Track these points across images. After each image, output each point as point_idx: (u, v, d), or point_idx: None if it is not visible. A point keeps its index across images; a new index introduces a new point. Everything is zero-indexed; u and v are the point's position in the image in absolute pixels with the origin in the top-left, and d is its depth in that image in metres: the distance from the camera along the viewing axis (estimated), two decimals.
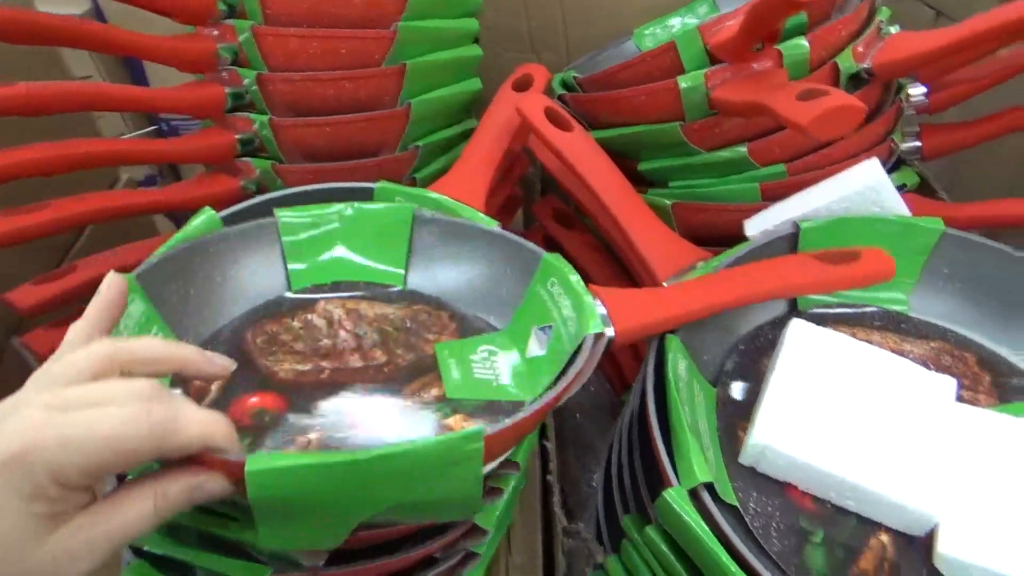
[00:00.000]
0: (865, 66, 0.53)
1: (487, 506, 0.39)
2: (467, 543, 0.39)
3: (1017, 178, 0.73)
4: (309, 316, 0.46)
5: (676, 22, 0.71)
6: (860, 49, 0.53)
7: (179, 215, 0.56)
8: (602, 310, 0.41)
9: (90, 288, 0.35)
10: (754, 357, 0.47)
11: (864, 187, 0.49)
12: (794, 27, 0.51)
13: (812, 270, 0.45)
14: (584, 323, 0.40)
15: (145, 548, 0.36)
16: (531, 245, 0.46)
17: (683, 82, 0.52)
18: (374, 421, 0.40)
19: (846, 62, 0.52)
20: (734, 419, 0.44)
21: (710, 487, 0.37)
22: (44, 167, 0.48)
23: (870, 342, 0.47)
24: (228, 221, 0.47)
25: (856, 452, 0.39)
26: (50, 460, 0.23)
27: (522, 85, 0.61)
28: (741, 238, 0.51)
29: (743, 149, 0.53)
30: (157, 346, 0.30)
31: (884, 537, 0.39)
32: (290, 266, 0.47)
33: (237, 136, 0.56)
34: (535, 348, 0.45)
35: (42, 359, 0.29)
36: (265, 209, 0.48)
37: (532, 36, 0.76)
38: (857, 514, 0.39)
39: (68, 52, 0.71)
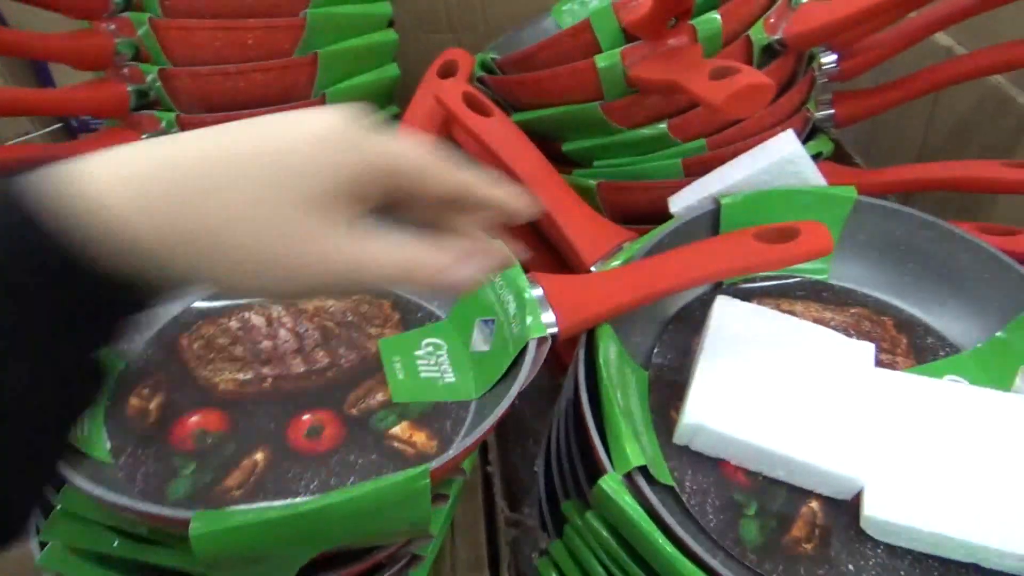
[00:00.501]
0: (777, 38, 0.53)
1: (432, 512, 0.39)
2: (412, 548, 0.39)
3: (928, 139, 0.76)
4: (246, 314, 0.45)
5: None
6: (771, 20, 0.54)
7: None
8: (548, 316, 0.41)
9: None
10: (684, 336, 0.47)
11: (781, 159, 0.49)
12: (706, 1, 0.51)
13: (753, 250, 0.45)
14: (529, 326, 0.40)
15: None
16: None
17: (600, 61, 0.51)
18: (321, 440, 0.39)
19: (758, 34, 0.53)
20: (666, 399, 0.44)
21: (644, 471, 0.37)
22: None
23: (793, 312, 0.49)
24: None
25: (784, 424, 0.40)
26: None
27: (446, 71, 0.60)
28: (667, 215, 0.51)
29: (663, 126, 0.54)
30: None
31: (814, 504, 0.40)
32: None
33: (144, 136, 0.53)
34: (479, 343, 0.44)
35: None
36: None
37: (450, 16, 0.75)
38: (788, 484, 0.41)
39: None
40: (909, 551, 0.38)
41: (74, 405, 0.23)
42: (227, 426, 0.39)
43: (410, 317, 0.46)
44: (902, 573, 0.37)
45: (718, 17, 0.50)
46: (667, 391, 0.45)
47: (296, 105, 0.54)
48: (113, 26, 0.52)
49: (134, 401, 0.39)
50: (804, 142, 0.56)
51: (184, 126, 0.52)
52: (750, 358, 0.43)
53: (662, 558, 0.34)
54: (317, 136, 0.23)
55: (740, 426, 0.40)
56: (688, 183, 0.53)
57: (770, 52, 0.54)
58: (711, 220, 0.49)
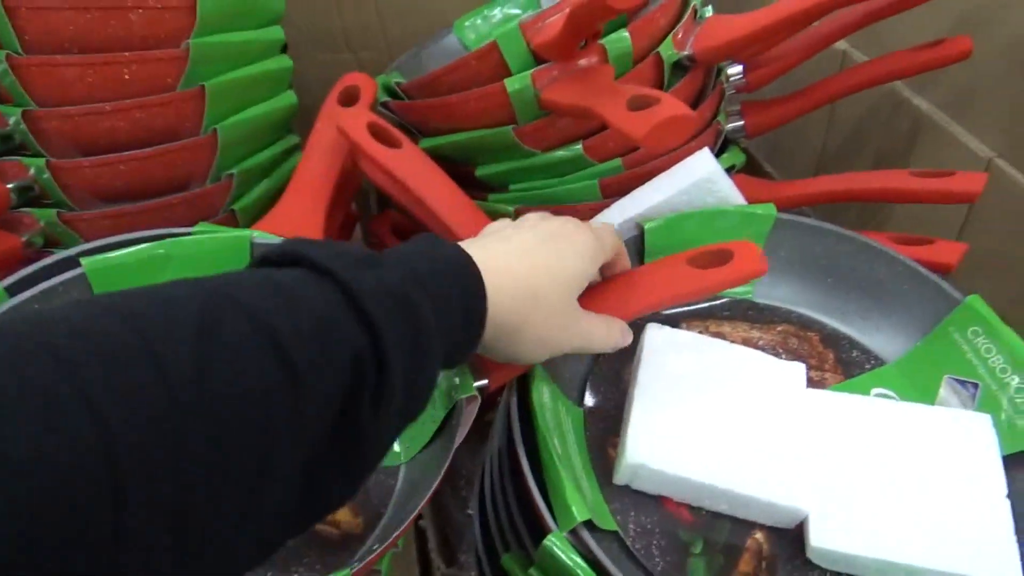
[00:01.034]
0: (686, 53, 0.53)
1: None
2: None
3: (828, 142, 0.78)
4: None
5: (497, 12, 0.69)
6: (679, 36, 0.53)
7: None
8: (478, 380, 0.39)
9: None
10: (615, 366, 0.46)
11: (699, 179, 0.49)
12: (614, 20, 0.50)
13: (688, 277, 0.43)
14: (458, 384, 0.37)
15: None
16: None
17: (511, 85, 0.49)
18: None
19: (668, 51, 0.52)
20: (603, 435, 0.43)
21: (589, 522, 0.35)
22: None
23: (722, 333, 0.48)
24: (15, 290, 0.41)
25: (724, 458, 0.39)
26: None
27: (348, 98, 0.56)
28: None
29: (578, 147, 0.52)
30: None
31: (759, 535, 0.39)
32: None
33: (10, 185, 0.48)
34: None
35: None
36: (66, 264, 0.42)
37: (348, 35, 0.71)
38: (731, 516, 0.40)
39: None
40: None
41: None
42: None
43: None
44: None
45: (628, 36, 0.49)
46: (603, 426, 0.43)
47: (192, 142, 0.49)
48: None
49: None
50: (717, 155, 0.56)
51: (56, 172, 0.47)
52: (684, 390, 0.42)
53: None
54: (583, 258, 0.37)
55: (680, 463, 0.39)
56: (606, 205, 0.52)
57: (680, 68, 0.54)
58: (636, 245, 0.48)
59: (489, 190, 0.57)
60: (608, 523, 0.38)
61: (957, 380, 0.44)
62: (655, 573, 0.37)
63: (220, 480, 0.21)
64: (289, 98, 0.57)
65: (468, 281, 0.31)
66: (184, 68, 0.48)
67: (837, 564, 0.38)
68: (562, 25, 0.43)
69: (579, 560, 0.34)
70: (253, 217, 0.55)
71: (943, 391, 0.44)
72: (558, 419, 0.41)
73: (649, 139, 0.35)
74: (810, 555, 0.38)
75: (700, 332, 0.48)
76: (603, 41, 0.49)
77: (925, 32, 0.60)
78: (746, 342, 0.47)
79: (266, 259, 0.28)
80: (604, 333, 0.38)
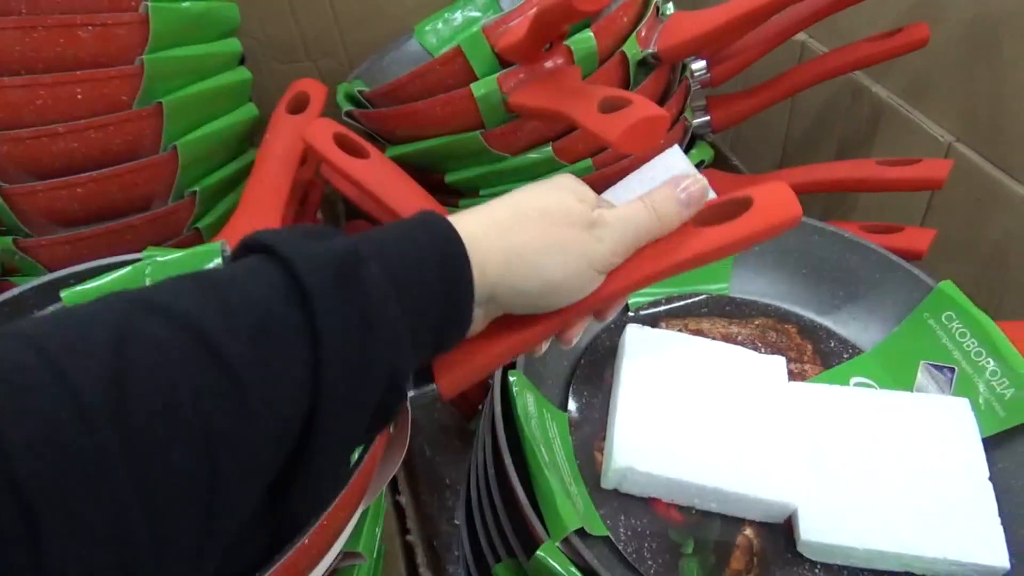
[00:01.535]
0: (651, 51, 0.52)
1: None
2: None
3: (791, 131, 0.78)
4: None
5: (457, 16, 0.68)
6: (643, 34, 0.53)
7: None
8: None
9: None
10: (596, 368, 0.46)
11: (670, 176, 0.48)
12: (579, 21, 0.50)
13: (694, 242, 0.33)
14: None
15: None
16: None
17: (477, 89, 0.49)
18: None
19: (632, 49, 0.52)
20: (589, 439, 0.43)
21: (580, 529, 0.35)
22: None
23: (701, 331, 0.48)
24: None
25: (711, 456, 0.39)
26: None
27: (297, 106, 0.55)
28: None
29: (548, 149, 0.52)
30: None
31: (749, 531, 0.39)
32: None
33: None
34: None
35: None
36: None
37: (306, 43, 0.70)
38: (721, 514, 0.40)
39: None
40: (845, 567, 0.38)
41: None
42: None
43: None
44: None
45: (592, 36, 0.49)
46: (588, 430, 0.43)
47: (151, 160, 0.48)
48: None
49: None
50: (685, 151, 0.56)
51: (9, 198, 0.45)
52: (667, 390, 0.42)
53: None
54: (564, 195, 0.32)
55: (668, 465, 0.39)
56: None
57: (645, 66, 0.53)
58: None
59: (460, 196, 0.57)
60: (599, 529, 0.38)
61: (934, 365, 0.45)
62: None
63: (159, 499, 0.20)
64: (250, 111, 0.56)
65: (440, 231, 0.28)
66: (139, 85, 0.47)
67: (827, 556, 0.38)
68: (527, 27, 0.43)
69: (573, 570, 0.33)
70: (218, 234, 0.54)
71: (920, 376, 0.44)
72: (543, 426, 0.41)
73: (623, 141, 0.35)
74: (800, 549, 0.38)
75: (679, 330, 0.48)
76: (568, 42, 0.48)
77: (882, 21, 0.61)
78: (725, 338, 0.47)
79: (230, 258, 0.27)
80: (641, 208, 0.32)
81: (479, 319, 0.31)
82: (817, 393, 0.43)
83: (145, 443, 0.20)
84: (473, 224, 0.29)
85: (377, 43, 0.69)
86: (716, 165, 0.63)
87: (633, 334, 0.44)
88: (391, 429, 0.33)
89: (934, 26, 0.56)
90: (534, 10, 0.42)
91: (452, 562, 0.51)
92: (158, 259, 0.42)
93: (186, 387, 0.20)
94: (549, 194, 0.31)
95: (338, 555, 0.34)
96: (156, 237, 0.50)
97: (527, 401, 0.40)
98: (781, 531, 0.39)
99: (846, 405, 0.42)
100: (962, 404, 0.42)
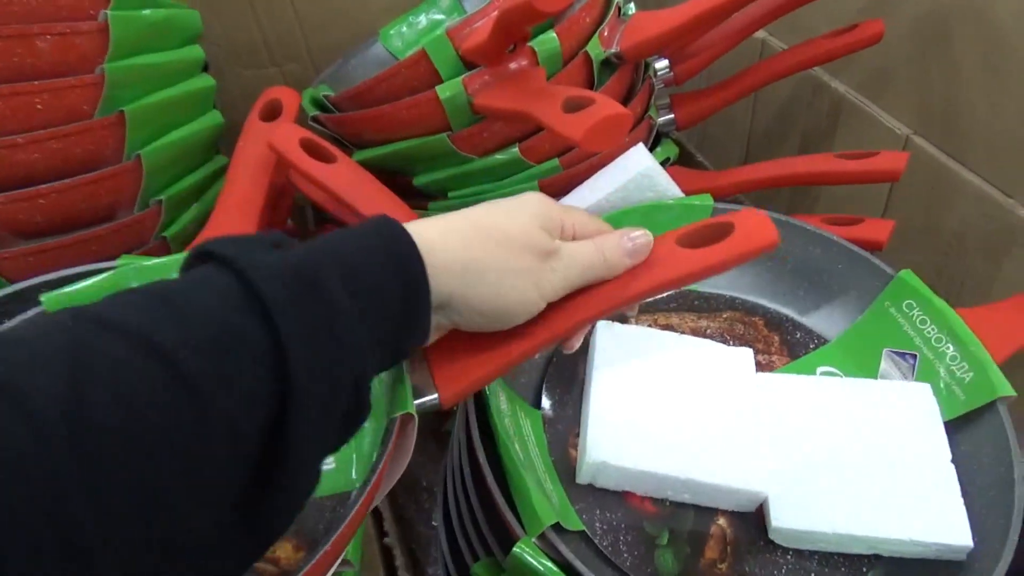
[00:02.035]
0: (614, 51, 0.53)
1: None
2: None
3: (754, 127, 0.80)
4: None
5: (421, 19, 0.68)
6: (606, 34, 0.54)
7: None
8: (422, 378, 0.34)
9: None
10: (569, 366, 0.46)
11: (637, 174, 0.49)
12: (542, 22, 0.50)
13: (680, 262, 0.35)
14: (396, 397, 0.34)
15: None
16: None
17: (443, 92, 0.49)
18: None
19: (595, 49, 0.52)
20: (563, 436, 0.43)
21: (556, 524, 0.35)
22: None
23: (670, 325, 0.49)
24: None
25: (682, 448, 0.40)
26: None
27: (270, 113, 0.55)
28: None
29: (515, 150, 0.52)
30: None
31: (722, 521, 0.40)
32: None
33: None
34: None
35: None
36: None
37: (269, 48, 0.70)
38: (694, 505, 0.40)
39: None
40: (816, 552, 0.39)
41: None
42: None
43: None
44: (813, 573, 0.38)
45: (555, 37, 0.49)
46: (562, 427, 0.44)
47: (115, 170, 0.47)
48: None
49: None
50: (651, 149, 0.57)
51: None
52: (639, 384, 0.42)
53: None
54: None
55: (641, 458, 0.39)
56: None
57: (608, 65, 0.54)
58: None
59: (429, 198, 0.57)
60: (575, 523, 0.38)
61: (896, 352, 0.46)
62: (624, 568, 0.38)
63: (116, 519, 0.19)
64: (214, 118, 0.55)
65: (393, 234, 0.29)
66: (100, 94, 0.46)
67: (798, 541, 0.39)
68: (490, 29, 0.43)
69: (549, 564, 0.34)
70: (184, 243, 0.54)
71: (884, 364, 0.46)
72: (517, 424, 0.41)
73: (587, 140, 0.35)
74: (772, 536, 0.39)
75: (649, 325, 0.48)
76: (532, 43, 0.49)
77: (839, 18, 0.63)
78: (694, 332, 0.48)
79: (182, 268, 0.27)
80: (592, 251, 0.34)
81: (436, 328, 0.31)
82: (784, 383, 0.44)
83: (103, 462, 0.19)
84: (432, 231, 0.30)
85: (341, 48, 0.69)
86: (681, 162, 0.64)
87: (604, 331, 0.45)
88: (392, 441, 0.34)
89: (889, 22, 0.58)
90: (496, 12, 0.42)
91: (431, 564, 0.51)
92: (144, 263, 0.42)
93: (143, 404, 0.20)
94: (515, 217, 0.32)
95: (337, 565, 0.34)
96: (122, 247, 0.49)
97: (500, 399, 0.40)
98: (753, 520, 0.40)
99: (812, 394, 0.43)
100: (924, 389, 0.43)
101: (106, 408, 0.20)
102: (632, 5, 0.58)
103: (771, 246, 0.35)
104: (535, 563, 0.34)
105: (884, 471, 0.39)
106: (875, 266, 0.48)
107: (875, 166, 0.53)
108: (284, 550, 0.36)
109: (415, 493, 0.56)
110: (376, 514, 0.48)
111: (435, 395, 0.34)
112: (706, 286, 0.51)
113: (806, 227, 0.49)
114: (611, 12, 0.54)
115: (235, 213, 0.49)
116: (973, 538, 0.37)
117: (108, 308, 0.22)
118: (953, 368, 0.43)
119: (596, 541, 0.39)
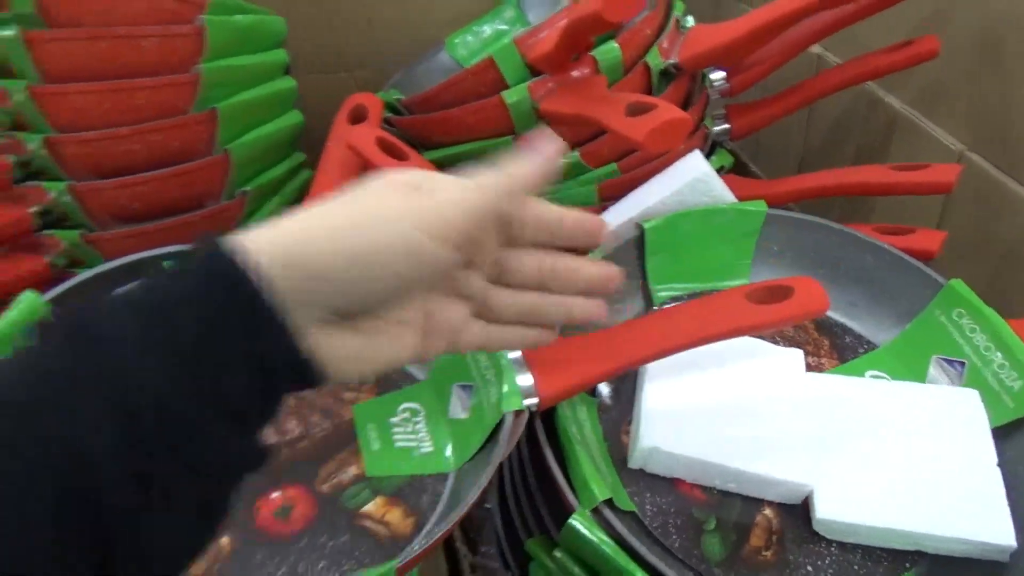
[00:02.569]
0: (672, 61, 0.55)
1: None
2: None
3: (808, 141, 0.81)
4: None
5: (486, 29, 0.71)
6: (664, 45, 0.56)
7: None
8: (526, 380, 0.40)
9: None
10: None
11: (693, 179, 0.51)
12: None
13: (747, 313, 0.41)
14: (504, 395, 0.39)
15: None
16: None
17: (509, 97, 0.52)
18: (290, 520, 0.38)
19: (655, 60, 0.55)
20: (616, 423, 0.45)
21: (608, 501, 0.38)
22: None
23: None
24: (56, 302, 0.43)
25: (732, 439, 0.41)
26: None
27: (356, 117, 0.58)
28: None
29: (576, 153, 0.55)
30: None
31: (768, 511, 0.42)
32: None
33: (31, 209, 0.49)
34: (457, 410, 0.44)
35: None
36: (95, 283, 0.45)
37: (343, 55, 0.74)
38: (741, 495, 0.42)
39: None
40: (859, 546, 0.40)
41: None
42: None
43: (386, 379, 0.45)
44: (856, 567, 0.39)
45: (617, 47, 0.52)
46: (615, 414, 0.46)
47: (206, 162, 0.51)
48: None
49: None
50: (706, 157, 0.59)
51: (79, 195, 0.48)
52: (692, 377, 0.44)
53: None
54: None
55: (692, 445, 0.41)
56: (603, 208, 0.54)
57: (667, 75, 0.56)
58: (636, 243, 0.51)
59: None
60: (626, 504, 0.40)
61: (945, 359, 0.47)
62: (673, 550, 0.40)
63: None
64: (295, 117, 0.59)
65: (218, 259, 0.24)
66: (196, 92, 0.50)
67: (842, 534, 0.40)
68: (557, 39, 0.46)
69: (604, 536, 0.36)
70: None
71: (932, 370, 0.47)
72: (574, 410, 0.43)
73: (649, 141, 0.38)
74: (816, 527, 0.40)
75: None
76: (595, 53, 0.51)
77: (894, 33, 0.64)
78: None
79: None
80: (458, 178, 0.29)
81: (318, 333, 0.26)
82: (833, 383, 0.45)
83: None
84: (249, 235, 0.26)
85: (409, 55, 0.72)
86: (736, 171, 0.66)
87: None
88: (505, 433, 0.38)
89: (944, 37, 0.59)
90: (564, 21, 0.45)
91: (485, 544, 0.53)
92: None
93: None
94: (360, 190, 0.29)
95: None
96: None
97: None
98: (799, 512, 0.41)
99: (861, 394, 0.44)
100: (972, 395, 0.44)
101: None
102: (691, 18, 0.60)
103: (821, 312, 0.41)
104: (589, 535, 0.36)
105: (930, 470, 0.40)
106: (926, 275, 0.49)
107: (926, 178, 0.54)
108: (394, 515, 0.39)
109: None
110: None
111: (536, 399, 0.39)
112: None
113: (857, 235, 0.50)
114: (670, 24, 0.56)
115: None
116: (1017, 539, 0.38)
117: None
118: (1001, 376, 0.44)
119: (646, 522, 0.40)
